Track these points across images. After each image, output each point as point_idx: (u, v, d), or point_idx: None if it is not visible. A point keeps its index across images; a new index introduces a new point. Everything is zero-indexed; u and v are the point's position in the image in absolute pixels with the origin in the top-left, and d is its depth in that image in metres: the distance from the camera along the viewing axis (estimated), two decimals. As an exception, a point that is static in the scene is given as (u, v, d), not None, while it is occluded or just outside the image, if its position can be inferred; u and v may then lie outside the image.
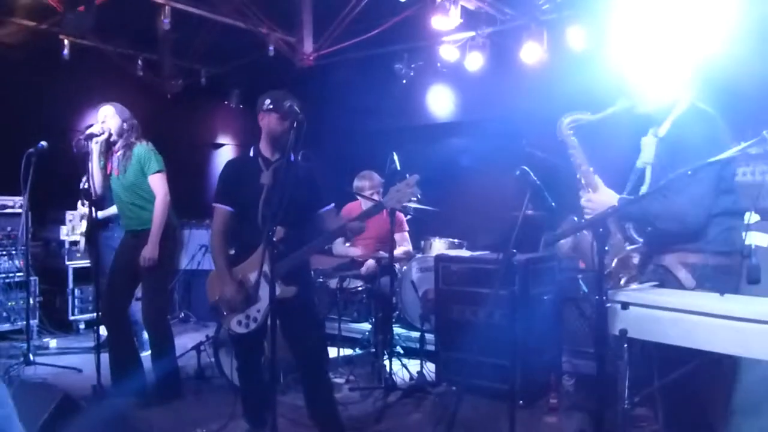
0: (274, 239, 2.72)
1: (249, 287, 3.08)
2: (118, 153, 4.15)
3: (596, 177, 2.62)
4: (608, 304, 2.26)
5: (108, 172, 4.20)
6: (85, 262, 6.05)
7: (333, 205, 3.27)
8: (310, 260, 3.39)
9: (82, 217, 5.48)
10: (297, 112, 2.93)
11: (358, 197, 5.09)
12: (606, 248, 2.23)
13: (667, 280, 2.49)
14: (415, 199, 2.95)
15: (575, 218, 2.67)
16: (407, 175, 3.00)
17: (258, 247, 3.00)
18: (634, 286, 2.51)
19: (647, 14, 4.69)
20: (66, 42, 6.16)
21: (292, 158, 3.03)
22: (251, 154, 3.24)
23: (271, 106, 3.11)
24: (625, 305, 2.24)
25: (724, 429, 2.56)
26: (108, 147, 4.23)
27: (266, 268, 2.84)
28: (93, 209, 4.24)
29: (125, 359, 4.15)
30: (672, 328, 2.14)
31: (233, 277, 3.13)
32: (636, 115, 2.66)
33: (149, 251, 4.00)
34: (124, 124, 4.14)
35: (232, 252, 3.30)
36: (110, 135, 4.15)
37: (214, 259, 3.26)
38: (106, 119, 4.13)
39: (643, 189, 2.60)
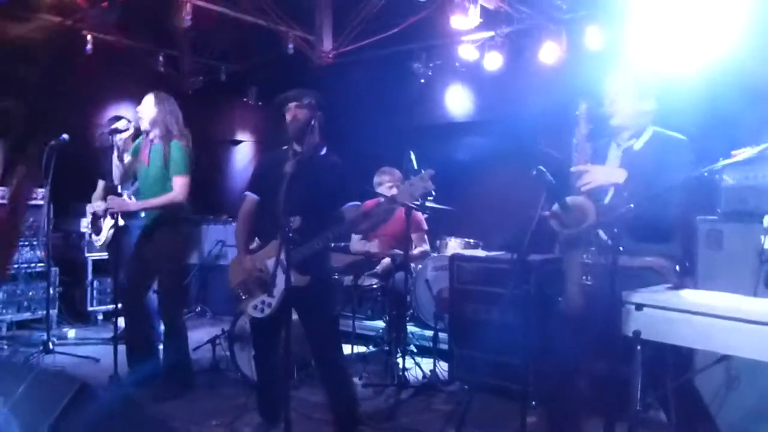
0: (291, 228, 2.80)
1: (266, 273, 3.16)
2: (156, 144, 4.14)
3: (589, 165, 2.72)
4: (622, 305, 2.25)
5: (140, 159, 4.23)
6: (103, 254, 6.12)
7: (358, 203, 3.31)
8: (329, 253, 3.41)
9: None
10: (314, 106, 3.00)
11: (379, 193, 5.09)
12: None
13: (649, 279, 2.59)
14: (430, 196, 2.99)
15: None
16: (422, 170, 3.03)
17: (277, 235, 3.10)
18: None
19: (664, 14, 4.67)
20: (89, 38, 6.25)
21: (323, 152, 3.17)
22: (284, 148, 3.31)
23: (293, 99, 3.27)
24: (639, 306, 2.24)
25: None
26: (137, 136, 4.26)
27: (282, 255, 2.92)
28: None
29: (141, 348, 4.21)
30: (686, 330, 2.13)
31: (249, 260, 3.23)
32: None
33: (118, 204, 4.12)
34: (161, 115, 4.11)
35: (257, 242, 3.40)
36: (142, 126, 4.18)
37: (236, 242, 3.39)
38: (143, 108, 4.15)
39: (608, 198, 2.72)
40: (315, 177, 3.06)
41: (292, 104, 3.26)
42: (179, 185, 4.07)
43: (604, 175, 2.64)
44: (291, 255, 2.85)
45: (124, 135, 4.29)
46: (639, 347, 2.25)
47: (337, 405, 3.31)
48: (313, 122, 3.16)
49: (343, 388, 3.31)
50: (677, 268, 2.73)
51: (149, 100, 4.16)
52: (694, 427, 2.60)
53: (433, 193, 3.06)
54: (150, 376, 4.14)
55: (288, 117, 3.29)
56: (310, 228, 2.99)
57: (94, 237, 5.40)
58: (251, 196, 3.38)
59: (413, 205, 4.57)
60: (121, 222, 4.35)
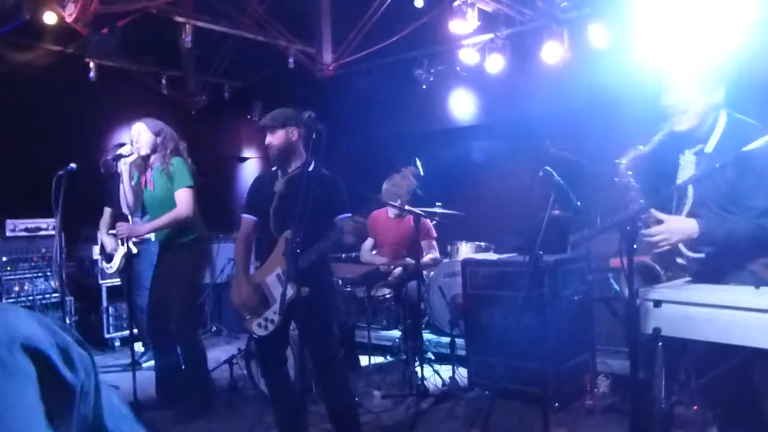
0: (285, 243, 2.88)
1: (265, 290, 3.20)
2: (156, 166, 4.15)
3: (654, 211, 2.47)
4: (640, 302, 2.21)
5: (143, 185, 4.25)
6: (117, 280, 6.13)
7: (349, 215, 3.25)
8: (328, 264, 3.41)
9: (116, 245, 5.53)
10: (315, 122, 3.00)
11: (387, 204, 5.08)
12: (635, 246, 2.18)
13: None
14: (411, 187, 2.95)
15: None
16: (402, 168, 3.02)
17: (272, 253, 3.19)
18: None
19: (669, 8, 4.62)
20: (92, 64, 6.30)
21: (311, 168, 3.17)
22: (274, 168, 3.39)
23: (267, 124, 3.30)
24: (657, 303, 2.20)
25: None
26: (145, 162, 4.29)
27: (280, 271, 3.10)
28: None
29: (171, 373, 4.21)
30: (707, 325, 2.09)
31: (248, 280, 3.26)
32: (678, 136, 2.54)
33: (128, 230, 4.12)
34: (157, 138, 4.13)
35: (258, 262, 3.41)
36: (142, 153, 4.21)
37: (235, 263, 3.44)
38: (137, 137, 4.16)
39: (687, 207, 2.52)
40: (304, 193, 2.98)
41: (266, 131, 3.29)
42: (183, 198, 4.05)
43: (680, 232, 2.40)
44: (289, 270, 2.86)
45: (129, 160, 4.30)
46: (660, 344, 2.21)
47: (334, 415, 3.31)
48: (292, 142, 3.19)
49: (340, 399, 3.30)
50: None
51: (140, 127, 4.17)
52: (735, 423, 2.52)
53: (416, 188, 3.02)
54: (179, 398, 4.15)
55: (266, 143, 3.33)
56: (307, 242, 2.96)
57: (105, 264, 5.43)
58: (248, 218, 3.41)
59: (421, 213, 4.56)
60: (134, 249, 4.34)
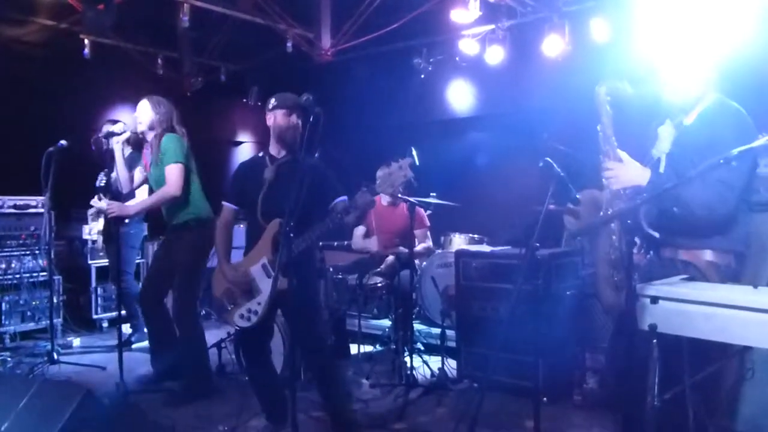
0: (274, 232, 2.86)
1: (250, 280, 3.15)
2: (153, 146, 4.09)
3: (620, 151, 2.62)
4: (637, 299, 2.19)
5: (146, 168, 4.20)
6: (106, 261, 6.08)
7: (345, 198, 3.17)
8: (315, 254, 3.38)
9: (98, 215, 5.48)
10: (307, 106, 2.91)
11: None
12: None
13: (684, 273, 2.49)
14: (407, 178, 2.92)
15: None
16: (399, 159, 2.99)
17: (258, 242, 3.15)
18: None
19: (673, 5, 4.58)
20: (87, 41, 6.20)
21: (304, 156, 3.06)
22: (260, 154, 3.37)
23: (275, 103, 3.26)
24: (654, 299, 2.18)
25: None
26: (140, 142, 4.22)
27: (266, 260, 3.07)
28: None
29: (165, 349, 4.20)
30: (704, 323, 2.07)
31: (231, 269, 3.22)
32: (657, 103, 2.67)
33: (119, 209, 4.02)
34: (158, 117, 4.05)
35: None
36: (137, 132, 4.13)
37: (216, 251, 3.40)
38: (140, 114, 4.09)
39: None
40: (293, 180, 2.92)
41: (274, 107, 3.26)
42: (171, 175, 3.95)
43: (628, 177, 2.54)
44: (279, 257, 2.78)
45: (121, 138, 4.24)
46: (655, 341, 2.19)
47: (328, 405, 3.28)
48: (293, 126, 3.17)
49: (331, 387, 3.27)
50: (732, 265, 2.51)
51: (145, 104, 4.10)
52: (712, 422, 2.53)
53: (412, 179, 3.00)
54: (174, 374, 4.14)
55: (270, 121, 3.28)
56: (296, 232, 2.86)
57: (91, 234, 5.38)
58: (228, 206, 3.37)
59: (416, 201, 4.52)
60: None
